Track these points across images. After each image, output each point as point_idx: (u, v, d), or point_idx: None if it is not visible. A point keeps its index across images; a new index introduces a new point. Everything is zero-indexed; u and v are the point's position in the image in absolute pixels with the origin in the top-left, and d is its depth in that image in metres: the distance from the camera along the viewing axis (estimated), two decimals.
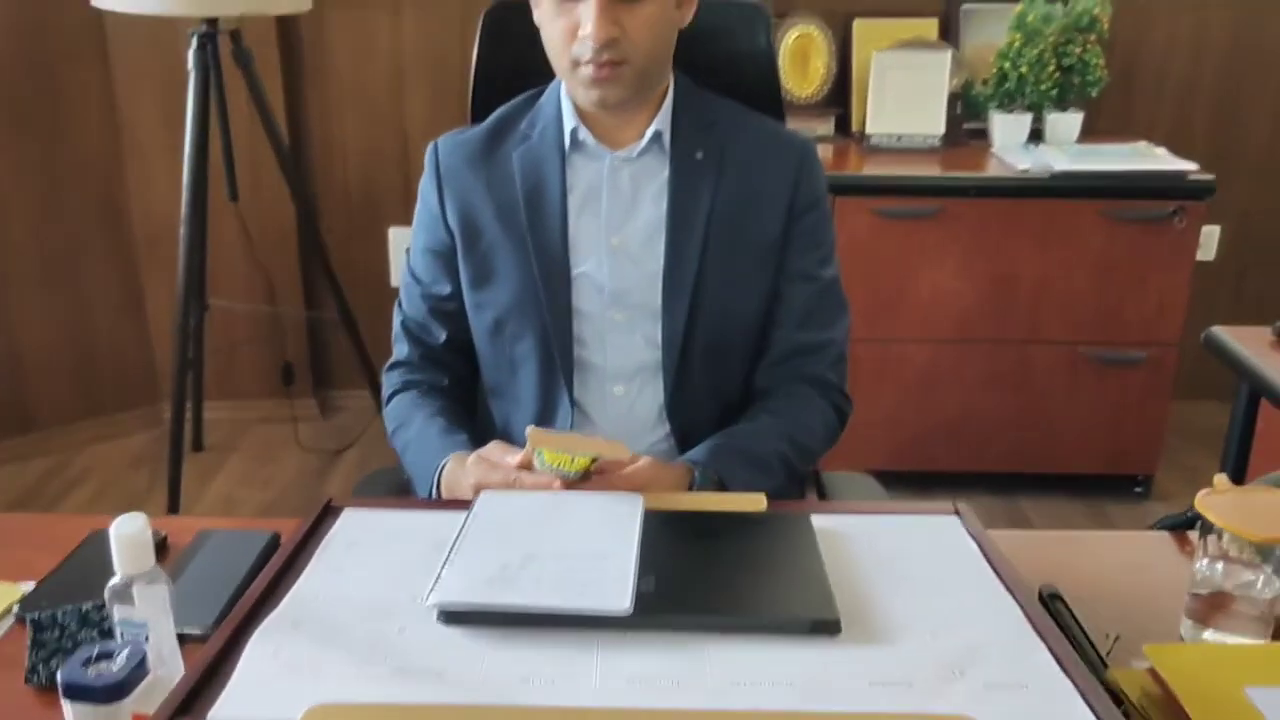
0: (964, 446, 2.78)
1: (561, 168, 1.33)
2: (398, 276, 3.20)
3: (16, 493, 2.86)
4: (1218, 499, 1.01)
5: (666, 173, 1.33)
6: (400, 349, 1.44)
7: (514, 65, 1.46)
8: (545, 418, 1.37)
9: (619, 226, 1.34)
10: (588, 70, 1.24)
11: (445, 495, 1.23)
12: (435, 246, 1.39)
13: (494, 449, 1.19)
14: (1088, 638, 1.00)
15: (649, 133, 1.33)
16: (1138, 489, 2.83)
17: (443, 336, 1.41)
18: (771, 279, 1.36)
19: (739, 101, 1.43)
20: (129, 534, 0.91)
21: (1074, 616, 1.03)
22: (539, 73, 1.36)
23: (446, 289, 1.39)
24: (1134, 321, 2.66)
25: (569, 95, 1.34)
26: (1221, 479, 1.04)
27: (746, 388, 1.39)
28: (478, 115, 1.50)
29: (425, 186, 1.40)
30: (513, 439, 1.37)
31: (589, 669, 0.84)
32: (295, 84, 3.00)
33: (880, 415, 2.71)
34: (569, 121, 1.34)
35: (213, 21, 2.42)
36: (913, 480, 2.81)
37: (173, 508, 2.58)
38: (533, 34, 1.32)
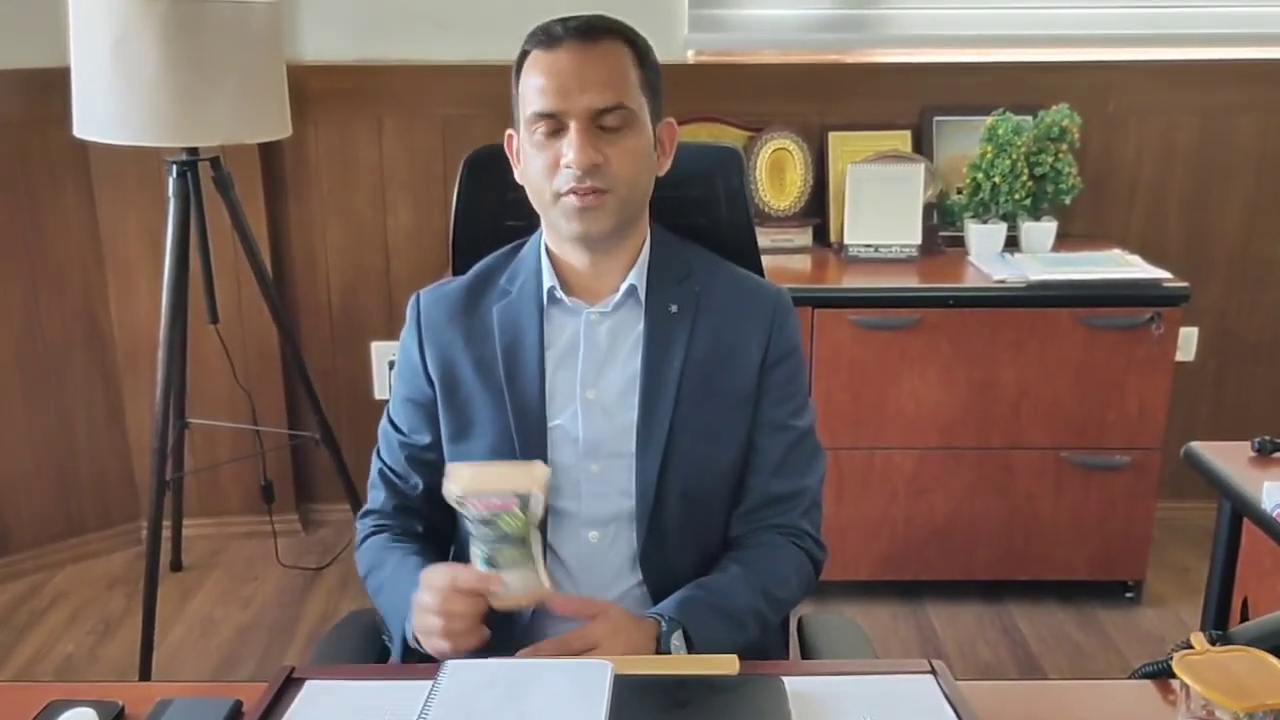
0: (952, 553, 2.76)
1: (540, 323, 1.35)
2: (380, 389, 3.22)
3: None
4: (1197, 662, 0.99)
5: (641, 326, 1.35)
6: (376, 496, 1.43)
7: (493, 208, 1.51)
8: None
9: (594, 380, 1.35)
10: (570, 200, 1.27)
11: (418, 635, 1.21)
12: (415, 397, 1.40)
13: (431, 574, 1.20)
14: None
15: (624, 286, 1.35)
16: (1129, 594, 2.80)
17: (420, 486, 1.40)
18: (746, 429, 1.37)
19: (713, 238, 1.46)
20: None
21: None
22: (517, 216, 1.42)
23: (426, 439, 1.39)
24: (1116, 426, 2.66)
25: (550, 234, 1.37)
26: (1199, 638, 1.03)
27: (724, 536, 1.38)
28: (457, 256, 1.54)
29: (406, 338, 1.41)
30: None
31: None
32: (277, 200, 3.03)
33: (867, 523, 2.69)
34: (547, 279, 1.36)
35: (193, 150, 2.44)
36: (901, 590, 2.79)
37: (147, 635, 2.53)
38: (511, 180, 1.36)
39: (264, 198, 2.96)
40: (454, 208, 1.55)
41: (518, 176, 1.36)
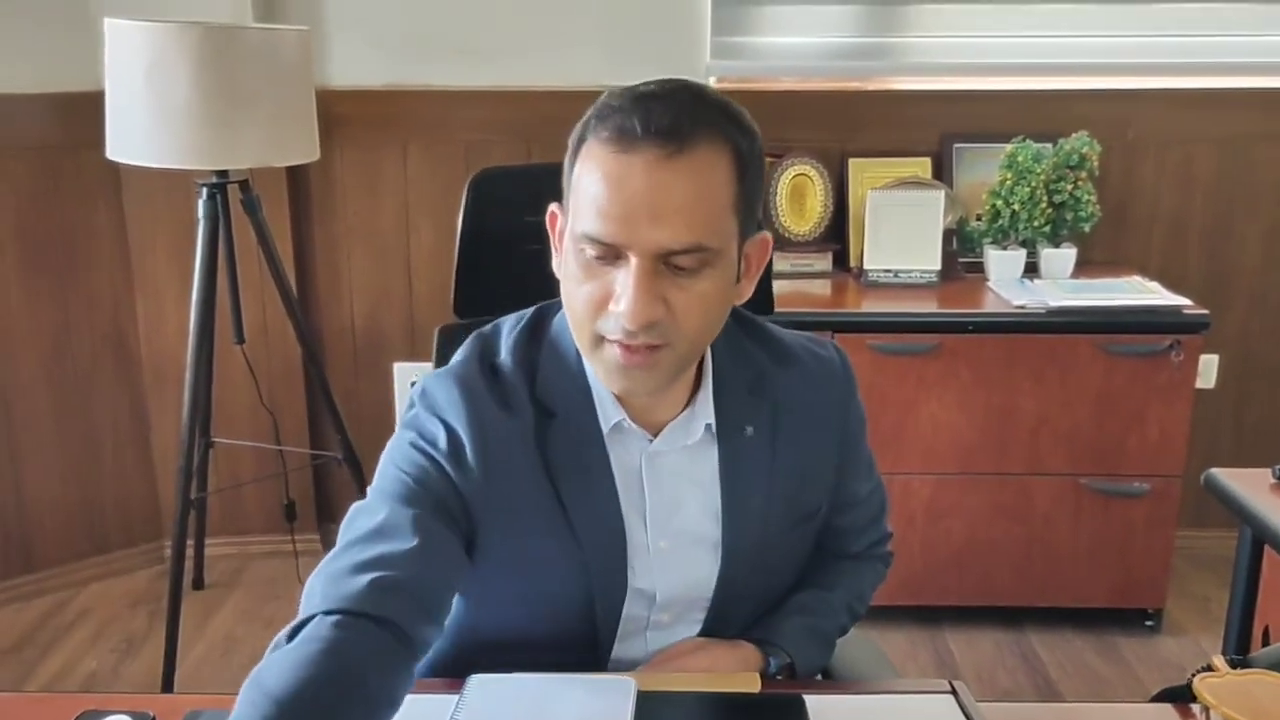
0: (971, 579, 2.75)
1: (606, 460, 1.12)
2: (401, 410, 3.24)
3: (17, 633, 2.84)
4: (1218, 684, 1.00)
5: (714, 461, 1.15)
6: (351, 585, 0.99)
7: (501, 230, 1.46)
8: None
9: (665, 526, 1.14)
10: (614, 352, 1.01)
11: None
12: (452, 515, 1.09)
13: None
14: None
15: (695, 427, 1.13)
16: (1148, 622, 2.79)
17: (438, 599, 1.05)
18: (824, 520, 1.25)
19: None
20: None
21: None
22: (525, 239, 1.26)
23: (449, 572, 1.07)
24: (1136, 453, 2.65)
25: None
26: (1219, 660, 1.03)
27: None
28: (462, 283, 1.49)
29: (430, 431, 1.11)
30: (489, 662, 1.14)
31: None
32: (303, 223, 3.07)
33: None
34: (612, 411, 1.11)
35: (223, 172, 2.48)
36: (921, 615, 2.78)
37: (170, 653, 2.55)
38: (518, 199, 1.28)
39: (290, 220, 3.00)
40: (459, 232, 1.48)
41: (554, 267, 1.09)
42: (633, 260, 0.97)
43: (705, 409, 1.14)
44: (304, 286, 3.08)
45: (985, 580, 2.75)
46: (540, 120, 2.85)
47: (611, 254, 0.98)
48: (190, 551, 2.88)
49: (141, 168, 2.44)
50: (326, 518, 3.29)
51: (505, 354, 1.14)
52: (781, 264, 2.90)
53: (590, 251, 0.99)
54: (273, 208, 2.78)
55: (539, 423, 1.11)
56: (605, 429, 1.11)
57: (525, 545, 1.12)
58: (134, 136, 2.34)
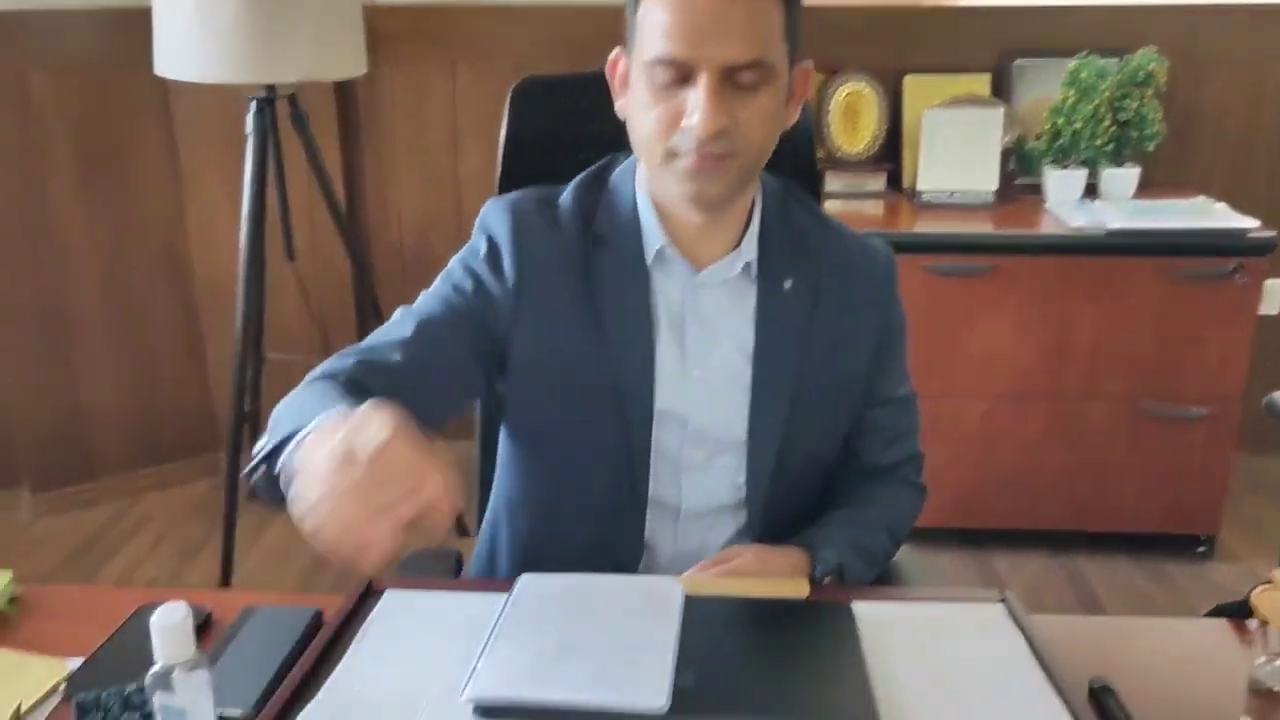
0: (1020, 504, 2.73)
1: (648, 289, 1.20)
2: None
3: (79, 539, 2.92)
4: (1276, 596, 0.98)
5: (753, 301, 1.22)
6: (337, 363, 1.12)
7: (543, 142, 1.45)
8: (609, 545, 1.25)
9: (702, 357, 1.21)
10: (687, 161, 1.10)
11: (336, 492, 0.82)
12: (467, 311, 1.19)
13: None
14: None
15: (737, 264, 1.21)
16: (1200, 549, 2.76)
17: (423, 396, 1.09)
18: (858, 409, 1.29)
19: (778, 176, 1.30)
20: (169, 625, 0.92)
21: (1126, 713, 1.01)
22: (569, 147, 1.31)
23: (445, 376, 1.17)
24: (1194, 377, 2.60)
25: (651, 192, 1.20)
26: (1279, 574, 1.01)
27: (824, 499, 1.33)
28: (505, 190, 1.39)
29: (483, 252, 1.21)
30: (553, 556, 1.21)
31: None
32: (352, 143, 3.06)
33: (935, 472, 2.64)
34: (656, 237, 1.19)
35: (271, 87, 2.47)
36: (968, 538, 2.77)
37: (226, 558, 2.62)
38: (561, 109, 1.28)
39: (339, 138, 3.00)
40: (501, 142, 1.45)
41: (618, 109, 1.18)
42: (702, 76, 1.06)
43: (750, 250, 1.21)
44: (352, 204, 3.08)
45: (1035, 504, 2.73)
46: (590, 37, 2.80)
47: (680, 75, 1.07)
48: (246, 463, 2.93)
49: (190, 84, 2.44)
50: None
51: (566, 194, 1.25)
52: (834, 184, 2.86)
53: (661, 76, 1.08)
54: (321, 126, 2.77)
55: (588, 248, 1.20)
56: (649, 258, 1.20)
57: (559, 357, 1.19)
58: (181, 52, 2.33)
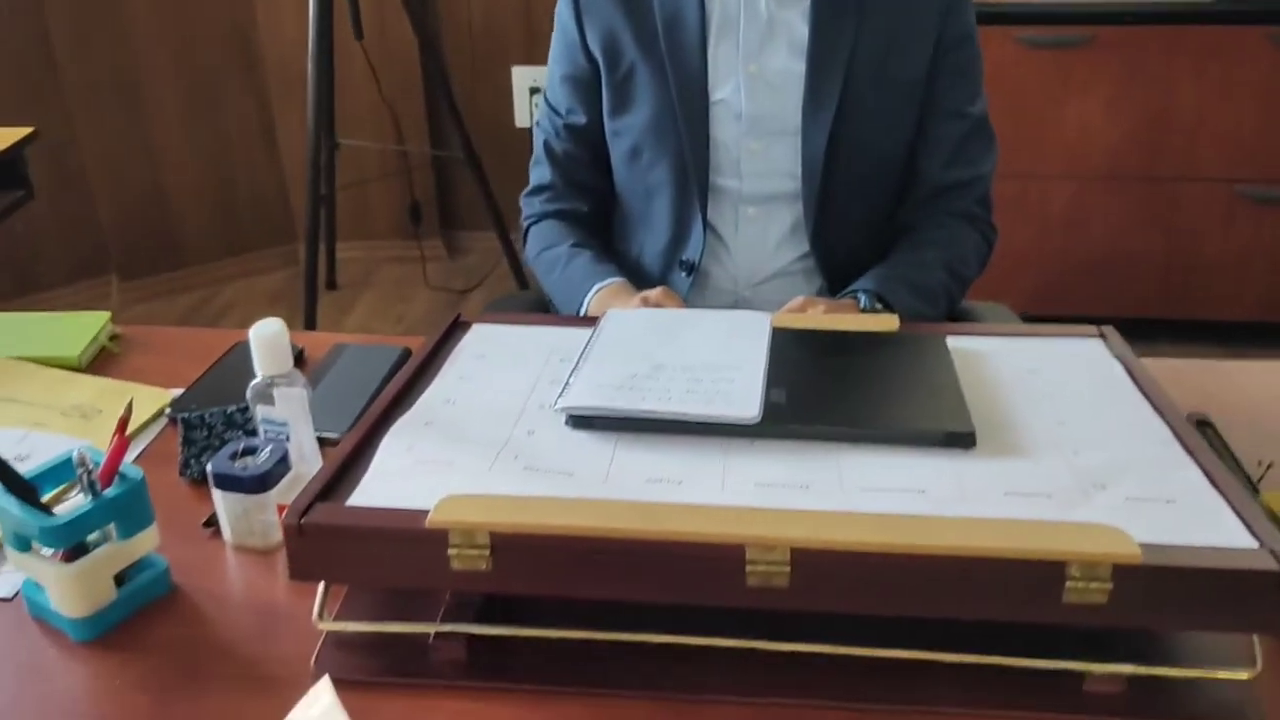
0: (1105, 289, 2.67)
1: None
2: (520, 117, 3.20)
3: (168, 324, 3.00)
4: None
5: (806, 6, 1.28)
6: (541, 173, 1.43)
7: None
8: (678, 242, 1.36)
9: (756, 53, 1.29)
10: None
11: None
12: (574, 74, 1.37)
13: (661, 295, 1.20)
14: (1238, 464, 0.96)
15: None
16: None
17: (584, 161, 1.40)
18: (917, 116, 1.31)
19: None
20: (268, 336, 0.93)
21: (1224, 443, 0.99)
22: None
23: (582, 119, 1.38)
24: None
25: None
26: None
27: (888, 221, 1.36)
28: None
29: (563, 13, 1.37)
30: (643, 269, 1.39)
31: (716, 474, 0.83)
32: None
33: (1017, 255, 2.60)
34: None
35: None
36: (1048, 323, 2.72)
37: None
38: None
39: None
40: None
41: None
42: None
43: None
44: None
45: (1122, 291, 2.66)
46: None
47: None
48: (322, 256, 2.96)
49: None
50: (450, 223, 3.33)
51: None
52: None
53: None
54: None
55: None
56: None
57: (623, 59, 1.32)
58: None
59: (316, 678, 0.73)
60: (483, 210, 2.93)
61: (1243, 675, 0.74)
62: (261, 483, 0.90)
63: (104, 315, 1.29)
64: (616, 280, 1.29)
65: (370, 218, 3.22)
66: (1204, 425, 1.02)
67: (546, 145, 1.42)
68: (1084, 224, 2.59)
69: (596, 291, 1.27)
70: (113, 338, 1.28)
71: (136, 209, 3.05)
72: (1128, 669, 0.75)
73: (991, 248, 1.38)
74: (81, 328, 1.26)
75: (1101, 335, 1.08)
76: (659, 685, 0.77)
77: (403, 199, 3.16)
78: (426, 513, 0.76)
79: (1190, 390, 1.08)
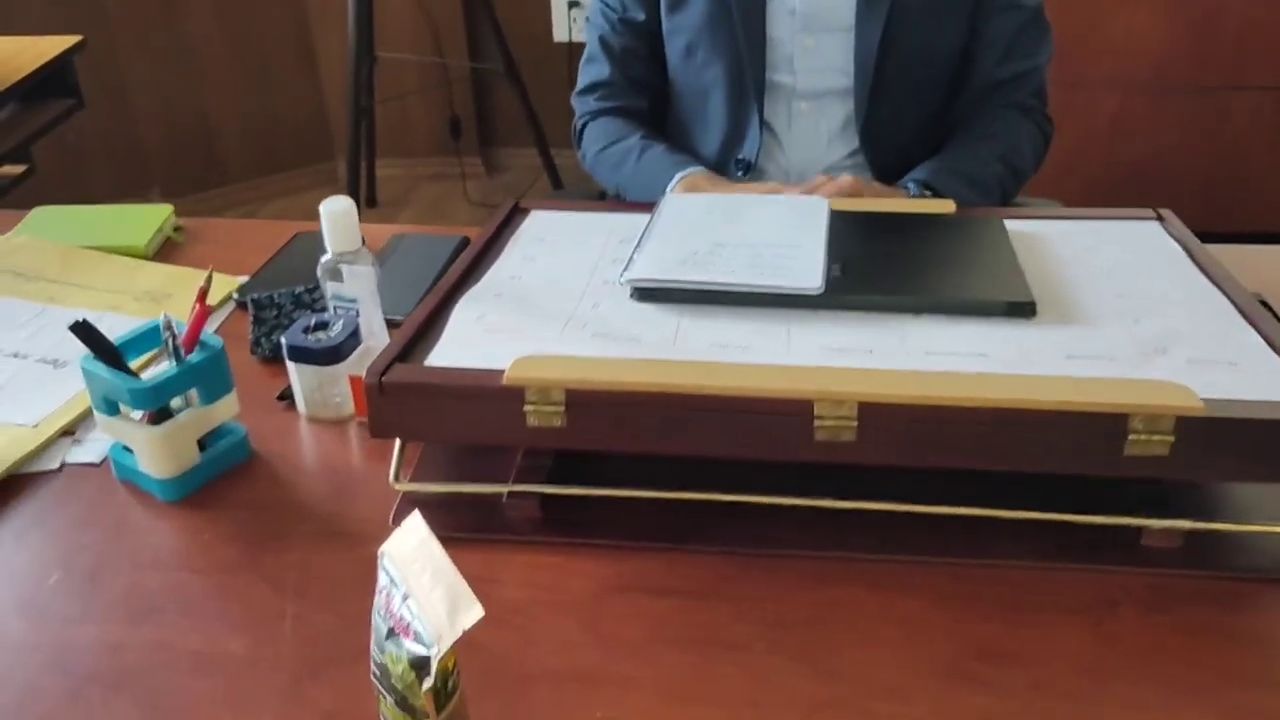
0: (1151, 201, 2.58)
1: None
2: (558, 31, 3.17)
3: None
4: None
5: None
6: (597, 69, 1.42)
7: None
8: (734, 138, 1.36)
9: None
10: None
11: None
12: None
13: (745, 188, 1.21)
14: None
15: None
16: None
17: (641, 56, 1.40)
18: (970, 14, 1.31)
19: None
20: (337, 211, 0.95)
21: None
22: None
23: (641, 15, 1.38)
24: None
25: None
26: None
27: (940, 118, 1.36)
28: None
29: None
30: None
31: (781, 340, 0.85)
32: None
33: (1058, 166, 2.54)
34: None
35: None
36: None
37: None
38: None
39: None
40: None
41: None
42: None
43: None
44: None
45: (1167, 201, 2.59)
46: None
47: None
48: (362, 173, 2.97)
49: None
50: (489, 141, 3.33)
51: None
52: None
53: None
54: None
55: None
56: None
57: None
58: None
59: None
60: (522, 125, 2.93)
61: None
62: (334, 354, 0.93)
63: (167, 208, 1.31)
64: (699, 169, 1.28)
65: (409, 133, 3.23)
66: (1262, 304, 1.02)
67: (603, 40, 1.41)
68: (1128, 134, 2.56)
69: (681, 179, 1.26)
70: (176, 229, 1.31)
71: (178, 126, 3.07)
72: (1186, 524, 0.77)
73: (1049, 140, 1.38)
74: (146, 219, 1.29)
75: (1159, 217, 1.08)
76: (730, 540, 0.80)
77: (442, 113, 3.16)
78: (502, 372, 0.78)
79: (1246, 274, 1.08)
